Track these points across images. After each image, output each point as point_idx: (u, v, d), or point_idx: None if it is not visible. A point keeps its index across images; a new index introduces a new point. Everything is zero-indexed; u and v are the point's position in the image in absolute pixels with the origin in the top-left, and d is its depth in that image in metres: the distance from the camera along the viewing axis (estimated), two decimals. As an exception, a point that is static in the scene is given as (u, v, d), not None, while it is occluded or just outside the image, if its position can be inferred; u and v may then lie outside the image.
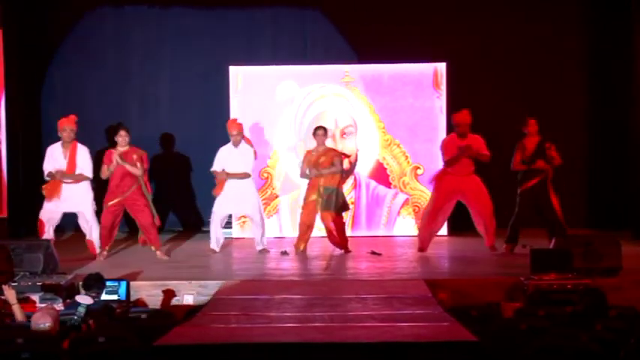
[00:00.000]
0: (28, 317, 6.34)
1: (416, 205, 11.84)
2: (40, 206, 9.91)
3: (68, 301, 7.27)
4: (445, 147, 10.20)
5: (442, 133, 11.72)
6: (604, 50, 12.01)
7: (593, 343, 5.44)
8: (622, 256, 8.50)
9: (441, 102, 11.79)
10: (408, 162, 11.85)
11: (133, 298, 8.11)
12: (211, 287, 8.21)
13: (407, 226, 11.80)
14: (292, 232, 11.80)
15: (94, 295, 6.92)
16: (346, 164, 11.23)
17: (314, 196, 10.11)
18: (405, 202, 11.80)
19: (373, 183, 11.95)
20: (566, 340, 5.42)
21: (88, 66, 12.29)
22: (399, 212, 11.87)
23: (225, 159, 10.23)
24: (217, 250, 10.41)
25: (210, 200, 10.45)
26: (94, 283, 7.14)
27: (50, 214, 9.85)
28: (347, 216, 11.84)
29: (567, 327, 5.98)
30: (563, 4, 12.20)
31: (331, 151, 10.33)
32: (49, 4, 12.31)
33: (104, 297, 7.59)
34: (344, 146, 11.88)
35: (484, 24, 12.10)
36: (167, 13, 12.22)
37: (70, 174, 9.86)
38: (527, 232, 10.15)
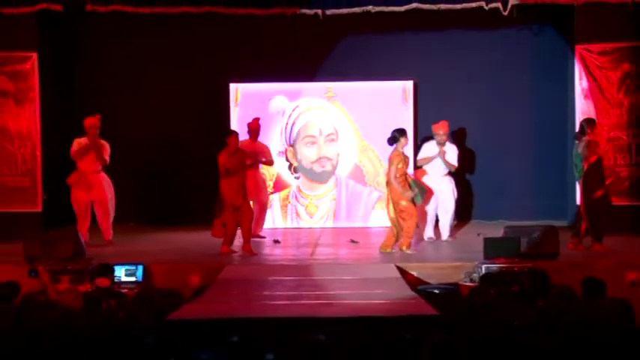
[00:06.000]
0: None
1: (388, 201, 11.82)
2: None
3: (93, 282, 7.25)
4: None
5: (410, 141, 11.69)
6: (556, 68, 11.77)
7: (536, 316, 5.48)
8: (559, 243, 8.56)
9: (409, 114, 11.81)
10: (381, 164, 11.84)
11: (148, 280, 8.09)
12: (215, 270, 8.20)
13: (380, 219, 11.79)
14: (283, 224, 11.80)
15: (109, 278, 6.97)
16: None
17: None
18: (379, 199, 11.80)
19: (352, 182, 11.96)
20: (513, 315, 5.46)
21: (108, 78, 12.09)
22: (373, 207, 11.88)
23: None
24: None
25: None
26: (104, 272, 7.13)
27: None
28: (330, 210, 11.90)
29: (514, 303, 6.03)
30: (519, 29, 11.93)
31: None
32: (79, 28, 12.02)
33: (124, 279, 7.60)
34: (327, 151, 11.89)
35: (448, 45, 12.00)
36: (175, 34, 12.04)
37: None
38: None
